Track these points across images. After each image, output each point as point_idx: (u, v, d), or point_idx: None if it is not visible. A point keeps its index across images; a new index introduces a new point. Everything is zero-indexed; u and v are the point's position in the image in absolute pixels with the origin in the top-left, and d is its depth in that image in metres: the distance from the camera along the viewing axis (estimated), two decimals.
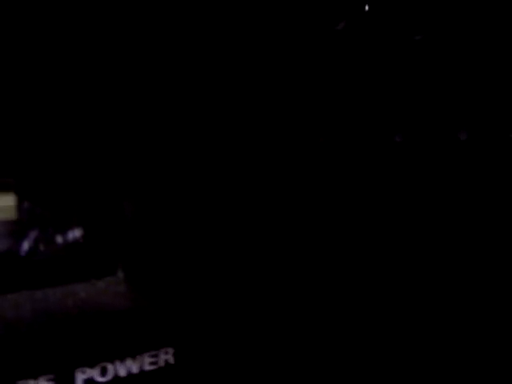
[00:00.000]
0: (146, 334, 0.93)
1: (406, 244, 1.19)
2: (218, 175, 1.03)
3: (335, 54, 1.10)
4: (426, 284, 1.20)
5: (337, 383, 1.13)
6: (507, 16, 1.15)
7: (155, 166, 0.98)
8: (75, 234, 0.93)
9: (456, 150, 1.20)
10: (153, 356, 0.93)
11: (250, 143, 1.05)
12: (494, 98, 1.20)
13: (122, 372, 0.90)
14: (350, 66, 1.12)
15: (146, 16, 0.95)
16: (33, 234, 0.91)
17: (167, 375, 0.94)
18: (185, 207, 1.00)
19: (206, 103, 1.02)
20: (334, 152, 1.13)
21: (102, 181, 0.95)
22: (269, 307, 1.06)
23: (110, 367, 0.89)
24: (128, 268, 0.96)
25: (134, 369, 0.91)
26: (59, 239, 0.92)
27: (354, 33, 1.11)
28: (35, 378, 0.84)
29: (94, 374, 0.88)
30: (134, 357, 0.91)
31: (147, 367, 0.92)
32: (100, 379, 0.89)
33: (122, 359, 0.90)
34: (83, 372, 0.87)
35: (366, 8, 1.10)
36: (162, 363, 0.93)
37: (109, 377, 0.89)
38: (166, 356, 0.94)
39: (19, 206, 0.91)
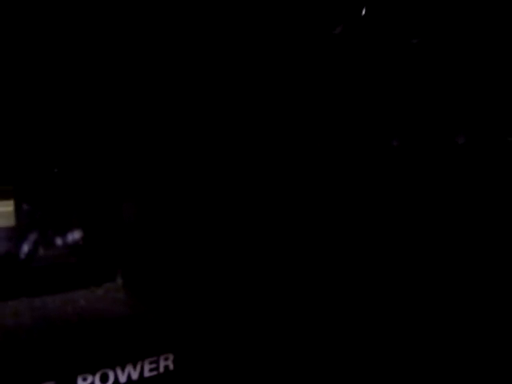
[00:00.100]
0: (145, 340, 0.93)
1: (404, 248, 1.19)
2: (219, 182, 1.03)
3: (332, 58, 1.11)
4: (423, 286, 1.20)
5: (337, 383, 1.14)
6: (505, 20, 1.16)
7: (154, 172, 0.98)
8: (74, 240, 0.93)
9: (454, 154, 1.20)
10: (153, 362, 0.93)
11: (250, 146, 1.06)
12: (492, 102, 1.21)
13: (123, 378, 0.90)
14: (346, 70, 1.12)
15: (146, 16, 0.95)
16: (31, 241, 0.91)
17: (167, 381, 0.94)
18: (184, 214, 1.00)
19: (205, 106, 1.02)
20: (330, 156, 1.13)
21: (100, 187, 0.95)
22: (270, 314, 1.06)
23: (110, 374, 0.90)
24: (127, 274, 0.96)
25: (134, 375, 0.91)
26: (58, 246, 0.92)
27: (351, 37, 1.11)
28: None
29: (95, 380, 0.88)
30: (134, 363, 0.91)
31: (147, 373, 0.92)
32: None
33: (123, 365, 0.90)
34: (84, 379, 0.88)
35: (363, 12, 1.10)
36: (161, 369, 0.94)
37: (109, 383, 0.89)
38: (166, 362, 0.94)
39: (18, 213, 0.91)
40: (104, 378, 0.89)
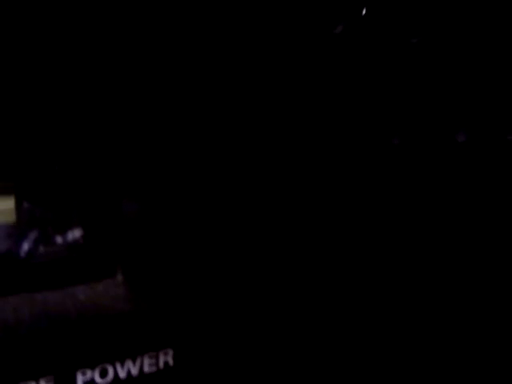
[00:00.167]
0: (145, 336, 0.93)
1: (404, 245, 1.19)
2: (218, 179, 1.03)
3: (333, 57, 1.11)
4: (422, 285, 1.20)
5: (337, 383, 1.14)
6: (504, 19, 1.16)
7: (154, 170, 0.99)
8: (74, 236, 0.94)
9: (454, 151, 1.20)
10: (152, 357, 0.93)
11: (249, 144, 1.06)
12: (491, 100, 1.21)
13: (122, 374, 0.91)
14: (347, 70, 1.12)
15: (146, 16, 0.96)
16: (32, 237, 0.91)
17: (166, 376, 0.95)
18: (184, 210, 1.01)
19: (205, 104, 1.02)
20: (331, 154, 1.13)
21: (101, 184, 0.95)
22: (268, 309, 1.06)
23: (110, 369, 0.90)
24: (127, 270, 0.96)
25: (134, 370, 0.92)
26: (58, 242, 0.93)
27: (352, 36, 1.11)
28: (36, 379, 0.84)
29: (95, 375, 0.89)
30: (133, 358, 0.91)
31: (147, 369, 0.93)
32: (100, 381, 0.89)
33: (122, 361, 0.91)
34: (83, 374, 0.88)
35: (364, 12, 1.11)
36: (161, 365, 0.94)
37: (109, 378, 0.90)
38: (166, 357, 0.94)
39: (19, 209, 0.92)
40: (103, 373, 0.89)
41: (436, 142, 1.20)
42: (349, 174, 1.15)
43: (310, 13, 1.08)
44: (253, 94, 1.05)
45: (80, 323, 0.89)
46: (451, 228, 1.21)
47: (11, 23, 0.87)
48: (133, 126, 0.97)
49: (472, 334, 1.22)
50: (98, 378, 0.89)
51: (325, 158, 1.13)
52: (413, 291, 1.20)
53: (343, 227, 1.15)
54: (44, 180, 0.93)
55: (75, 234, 0.94)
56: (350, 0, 1.10)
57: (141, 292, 0.97)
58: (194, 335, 0.98)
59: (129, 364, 0.91)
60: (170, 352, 0.95)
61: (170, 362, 0.95)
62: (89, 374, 0.88)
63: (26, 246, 0.90)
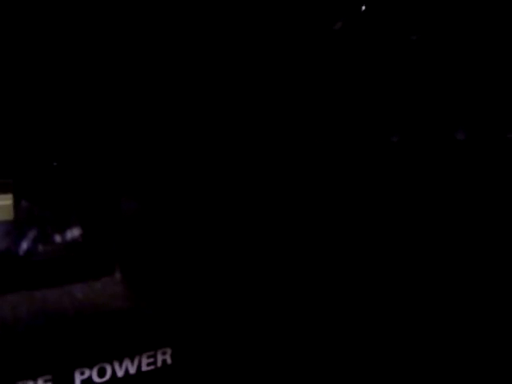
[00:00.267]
0: (143, 335, 0.93)
1: (403, 244, 1.19)
2: (216, 176, 1.03)
3: (332, 53, 1.10)
4: (421, 284, 1.20)
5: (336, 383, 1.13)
6: (503, 15, 1.15)
7: (152, 167, 0.98)
8: (73, 234, 0.93)
9: (453, 149, 1.20)
10: (150, 356, 0.93)
11: (247, 140, 1.05)
12: (491, 98, 1.21)
13: (120, 372, 0.90)
14: (346, 66, 1.12)
15: (146, 16, 0.95)
16: (30, 235, 0.91)
17: (165, 375, 0.94)
18: (182, 208, 1.00)
19: (201, 100, 1.02)
20: (330, 152, 1.13)
21: (99, 181, 0.95)
22: (267, 307, 1.06)
23: (108, 368, 0.89)
24: (125, 268, 0.96)
25: (132, 369, 0.91)
26: (56, 240, 0.92)
27: (351, 33, 1.11)
28: (34, 378, 0.84)
29: (92, 374, 0.88)
30: (131, 357, 0.91)
31: (145, 368, 0.92)
32: (98, 380, 0.89)
33: (120, 360, 0.90)
34: (81, 372, 0.88)
35: (363, 8, 1.10)
36: (159, 363, 0.94)
37: (107, 377, 0.89)
38: (164, 356, 0.94)
39: (17, 207, 0.91)
40: (101, 372, 0.89)
41: (435, 139, 1.19)
42: (347, 171, 1.15)
43: (309, 9, 1.08)
44: (250, 91, 1.05)
45: (78, 322, 0.88)
46: (450, 226, 1.21)
47: (7, 21, 0.87)
48: (130, 124, 0.97)
49: (472, 333, 1.22)
50: (95, 377, 0.88)
51: (323, 156, 1.12)
52: (411, 289, 1.20)
53: (341, 225, 1.15)
54: (42, 177, 0.92)
55: (73, 232, 0.93)
56: None
57: (139, 290, 0.96)
58: (192, 334, 0.98)
59: (127, 363, 0.91)
60: (169, 351, 0.94)
61: (169, 360, 0.94)
62: (87, 372, 0.88)
63: (23, 244, 0.90)
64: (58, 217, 0.92)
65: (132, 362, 0.91)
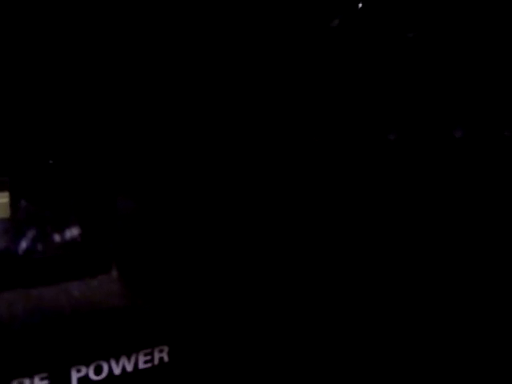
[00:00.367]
0: (140, 333, 0.92)
1: (400, 241, 1.19)
2: (212, 174, 1.03)
3: (329, 51, 1.10)
4: (419, 282, 1.20)
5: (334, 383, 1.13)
6: (500, 12, 1.15)
7: (148, 164, 0.98)
8: (69, 232, 0.93)
9: (451, 147, 1.20)
10: (147, 354, 0.93)
11: (242, 138, 1.05)
12: (488, 95, 1.21)
13: (117, 370, 0.90)
14: (343, 64, 1.12)
15: (146, 16, 0.95)
16: (27, 233, 0.91)
17: (162, 373, 0.94)
18: (178, 205, 1.00)
19: (197, 98, 1.01)
20: (327, 150, 1.13)
21: (95, 179, 0.95)
22: (263, 305, 1.06)
23: (104, 365, 0.89)
24: (122, 266, 0.96)
25: (129, 367, 0.91)
26: (53, 237, 0.92)
27: (348, 30, 1.11)
28: (30, 376, 0.84)
29: (89, 372, 0.88)
30: (128, 355, 0.91)
31: (142, 365, 0.92)
32: (95, 377, 0.89)
33: (117, 357, 0.90)
34: (78, 370, 0.87)
35: (360, 5, 1.10)
36: (156, 361, 0.93)
37: (103, 375, 0.89)
38: (161, 354, 0.94)
39: (13, 205, 0.91)
40: (98, 370, 0.89)
41: (433, 137, 1.19)
42: (344, 169, 1.15)
43: (306, 6, 1.08)
44: (245, 88, 1.05)
45: (74, 320, 0.88)
46: (448, 224, 1.21)
47: (5, 20, 0.87)
48: (125, 121, 0.97)
49: (472, 333, 1.22)
50: (92, 375, 0.88)
51: (319, 154, 1.12)
52: (407, 285, 1.19)
53: (338, 223, 1.15)
54: (39, 175, 0.92)
55: (70, 229, 0.93)
56: None
57: (136, 288, 0.96)
58: (189, 332, 0.97)
59: (124, 361, 0.90)
60: (166, 349, 0.94)
61: (166, 358, 0.94)
62: (83, 370, 0.88)
63: (19, 242, 0.90)
64: (54, 214, 0.92)
65: (129, 359, 0.91)
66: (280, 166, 1.08)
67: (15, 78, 0.89)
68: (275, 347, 1.07)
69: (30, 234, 0.90)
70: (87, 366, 0.88)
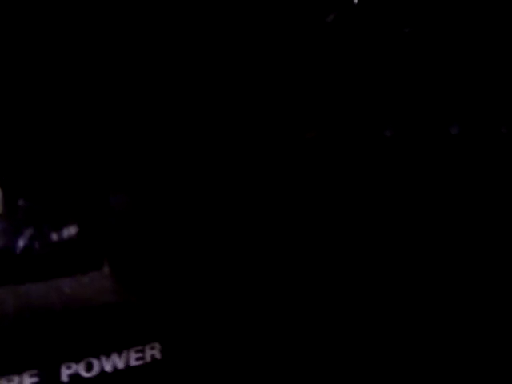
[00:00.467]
0: (132, 329, 0.92)
1: (397, 239, 1.18)
2: (204, 172, 1.02)
3: (324, 46, 1.10)
4: (417, 281, 1.20)
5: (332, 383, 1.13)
6: (497, 9, 1.15)
7: (141, 161, 0.98)
8: (60, 228, 0.93)
9: (447, 144, 1.20)
10: (139, 351, 0.92)
11: (237, 134, 1.05)
12: (485, 92, 1.20)
13: (108, 367, 0.90)
14: (339, 59, 1.11)
15: (146, 16, 0.95)
16: (17, 229, 0.90)
17: (154, 371, 0.94)
18: (171, 201, 1.00)
19: (193, 95, 1.01)
20: (322, 147, 1.12)
21: (87, 175, 0.94)
22: (256, 301, 1.05)
23: (95, 362, 0.89)
24: (114, 263, 0.96)
25: (120, 364, 0.91)
26: (44, 234, 0.92)
27: (344, 25, 1.10)
28: (19, 373, 0.83)
29: (79, 369, 0.88)
30: (119, 352, 0.90)
31: (133, 362, 0.92)
32: (85, 374, 0.88)
33: (108, 354, 0.90)
34: (68, 367, 0.87)
35: (355, 0, 1.10)
36: (148, 358, 0.93)
37: (94, 372, 0.89)
38: (153, 351, 0.94)
39: (5, 201, 0.91)
40: (89, 367, 0.88)
41: (429, 134, 1.19)
42: (340, 166, 1.14)
43: (301, 1, 1.07)
44: (241, 83, 1.05)
45: (65, 316, 0.88)
46: (445, 221, 1.21)
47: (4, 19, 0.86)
48: (117, 119, 0.96)
49: (472, 333, 1.22)
50: (83, 372, 0.88)
51: (315, 151, 1.12)
52: (404, 282, 1.19)
53: (335, 221, 1.14)
54: (30, 171, 0.92)
55: (61, 225, 0.93)
56: None
57: (128, 285, 0.96)
58: (181, 329, 0.97)
59: (115, 358, 0.90)
60: (157, 346, 0.94)
61: (157, 355, 0.94)
62: (74, 367, 0.87)
63: (9, 238, 0.89)
64: (45, 210, 0.92)
65: (120, 356, 0.90)
66: (275, 162, 1.08)
67: (8, 75, 0.88)
68: (270, 344, 1.06)
69: (20, 230, 0.90)
70: (77, 362, 0.87)
